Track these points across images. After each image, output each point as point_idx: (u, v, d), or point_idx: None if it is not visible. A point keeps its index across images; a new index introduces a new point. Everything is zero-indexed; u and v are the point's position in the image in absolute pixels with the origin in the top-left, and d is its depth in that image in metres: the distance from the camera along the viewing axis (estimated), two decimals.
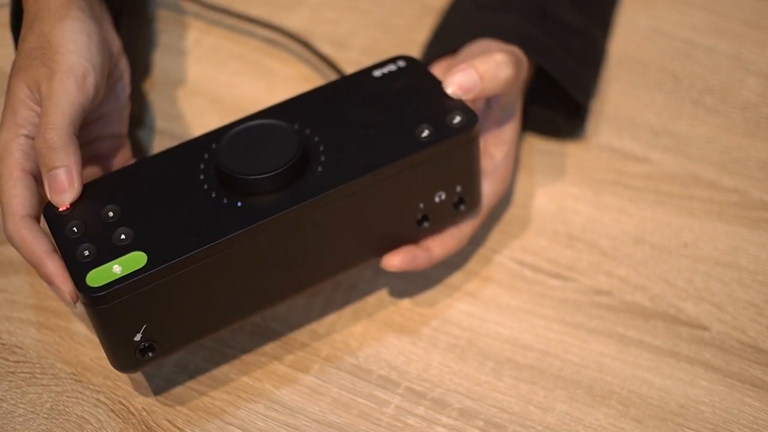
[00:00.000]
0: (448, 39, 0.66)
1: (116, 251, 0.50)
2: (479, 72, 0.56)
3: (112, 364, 0.52)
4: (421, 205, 0.56)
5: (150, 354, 0.52)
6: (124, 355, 0.51)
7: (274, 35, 0.75)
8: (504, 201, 0.65)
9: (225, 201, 0.52)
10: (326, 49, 0.73)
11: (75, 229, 0.51)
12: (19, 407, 0.56)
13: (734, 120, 0.70)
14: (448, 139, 0.54)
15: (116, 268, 0.49)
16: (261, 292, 0.54)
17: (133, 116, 0.71)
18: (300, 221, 0.52)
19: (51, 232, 0.52)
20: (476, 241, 0.63)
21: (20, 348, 0.59)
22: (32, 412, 0.56)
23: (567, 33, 0.68)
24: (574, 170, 0.67)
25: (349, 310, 0.60)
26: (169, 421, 0.56)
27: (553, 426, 0.56)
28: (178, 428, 0.56)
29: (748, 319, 0.60)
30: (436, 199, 0.56)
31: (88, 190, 0.53)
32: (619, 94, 0.71)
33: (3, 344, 0.59)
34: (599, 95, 0.71)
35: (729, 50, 0.74)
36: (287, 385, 0.57)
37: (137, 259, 0.50)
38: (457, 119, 0.54)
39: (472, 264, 0.62)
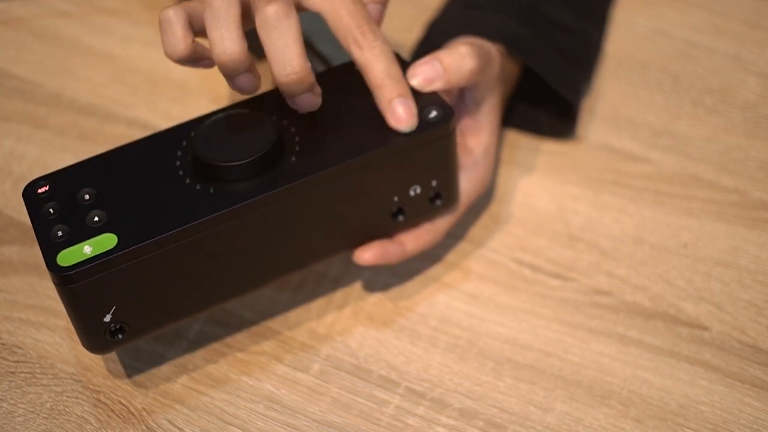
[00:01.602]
0: (435, 38, 0.66)
1: (88, 232, 0.51)
2: (443, 64, 0.56)
3: (83, 345, 0.53)
4: (396, 198, 0.56)
5: (120, 336, 0.52)
6: (95, 336, 0.52)
7: None
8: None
9: (198, 187, 0.52)
10: (327, 48, 0.73)
11: (51, 210, 0.52)
12: (19, 407, 0.56)
13: (734, 120, 0.70)
14: (423, 133, 0.54)
15: (87, 249, 0.50)
16: (231, 280, 0.54)
17: (131, 117, 0.71)
18: (271, 209, 0.52)
19: (28, 211, 0.52)
20: (476, 240, 0.63)
21: (20, 348, 0.59)
22: (32, 412, 0.56)
23: (557, 32, 0.68)
24: (573, 170, 0.67)
25: (348, 310, 0.61)
26: (169, 421, 0.56)
27: (553, 426, 0.56)
28: (178, 428, 0.56)
29: (748, 319, 0.60)
30: (411, 193, 0.56)
31: (67, 173, 0.54)
32: (619, 94, 0.71)
33: (3, 344, 0.59)
34: (599, 95, 0.71)
35: (729, 50, 0.74)
36: (287, 385, 0.57)
37: (108, 241, 0.50)
38: (433, 114, 0.54)
39: (472, 264, 0.62)
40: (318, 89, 0.53)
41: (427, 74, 0.56)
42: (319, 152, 0.53)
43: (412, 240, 0.59)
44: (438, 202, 0.58)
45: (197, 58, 0.54)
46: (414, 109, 0.54)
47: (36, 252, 0.63)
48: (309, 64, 0.52)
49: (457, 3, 0.69)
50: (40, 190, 0.53)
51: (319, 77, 0.56)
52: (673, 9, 0.76)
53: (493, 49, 0.60)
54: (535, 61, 0.65)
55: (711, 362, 0.58)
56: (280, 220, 0.53)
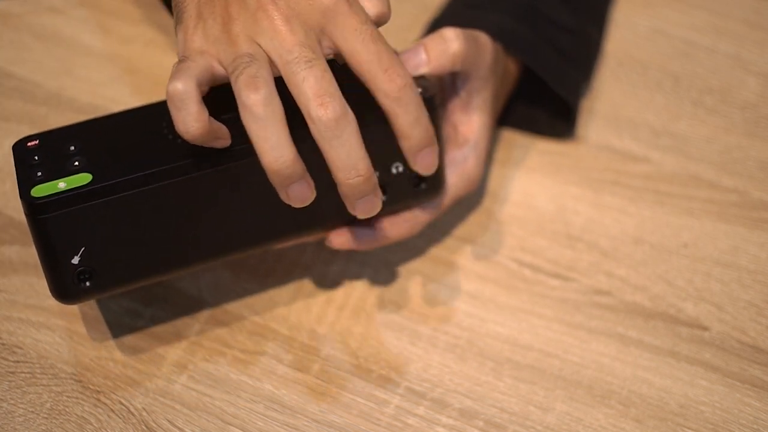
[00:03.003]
0: None
1: (66, 173, 0.51)
2: (427, 48, 0.56)
3: (51, 291, 0.53)
4: (377, 174, 0.55)
5: (88, 283, 0.52)
6: (62, 277, 0.52)
7: None
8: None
9: (179, 141, 0.52)
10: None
11: (36, 157, 0.53)
12: (19, 407, 0.56)
13: (734, 120, 0.70)
14: None
15: (61, 184, 0.50)
16: (204, 241, 0.54)
17: None
18: (250, 170, 0.51)
19: (15, 163, 0.53)
20: (476, 240, 0.63)
21: (20, 348, 0.59)
22: (32, 412, 0.56)
23: (557, 31, 0.68)
24: (573, 170, 0.67)
25: (348, 310, 0.61)
26: (169, 421, 0.56)
27: (553, 426, 0.56)
28: (178, 428, 0.56)
29: (748, 319, 0.60)
30: (393, 171, 0.55)
31: (58, 131, 0.54)
32: (619, 94, 0.71)
33: (3, 344, 0.59)
34: (599, 95, 0.71)
35: (729, 50, 0.74)
36: (287, 385, 0.57)
37: (82, 179, 0.51)
38: (417, 90, 0.54)
39: (472, 264, 0.62)
40: (379, 192, 0.51)
41: (411, 62, 0.56)
42: (300, 120, 0.51)
43: (388, 227, 0.58)
44: (422, 186, 0.57)
45: (216, 136, 0.50)
46: (437, 152, 0.54)
47: (36, 252, 0.62)
48: (371, 167, 0.50)
49: (458, 2, 0.69)
50: (29, 143, 0.54)
51: None
52: (673, 9, 0.76)
53: (483, 37, 0.60)
54: (533, 61, 0.65)
55: (711, 362, 0.58)
56: (257, 182, 0.51)
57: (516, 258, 0.63)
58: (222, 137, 0.51)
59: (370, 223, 0.58)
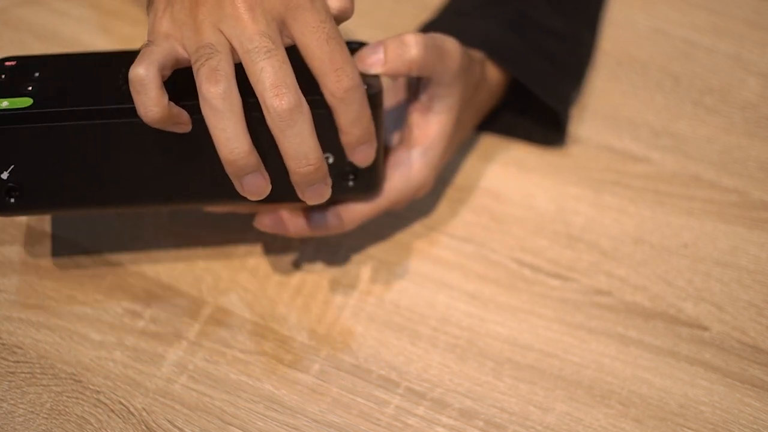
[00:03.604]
0: None
1: (14, 94, 0.54)
2: (386, 49, 0.56)
3: None
4: None
5: (13, 200, 0.54)
6: None
7: None
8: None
9: (124, 88, 0.53)
10: None
11: (3, 76, 0.55)
12: (19, 407, 0.56)
13: (734, 120, 0.70)
14: None
15: (4, 103, 0.53)
16: (130, 186, 0.55)
17: None
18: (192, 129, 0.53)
19: None
20: (476, 240, 0.63)
21: (20, 348, 0.59)
22: (32, 412, 0.56)
23: (547, 37, 0.67)
24: (574, 170, 0.67)
25: (348, 310, 0.60)
26: (169, 421, 0.56)
27: (553, 426, 0.56)
28: (178, 428, 0.56)
29: (748, 319, 0.60)
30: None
31: (38, 58, 0.57)
32: (619, 94, 0.71)
33: (3, 344, 0.59)
34: (599, 95, 0.71)
35: (729, 50, 0.74)
36: (287, 385, 0.57)
37: (24, 102, 0.53)
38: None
39: (472, 264, 0.62)
40: (329, 180, 0.53)
41: (368, 59, 0.56)
42: (247, 86, 0.52)
43: (316, 219, 0.58)
44: (351, 182, 0.57)
45: (175, 121, 0.51)
46: (375, 147, 0.55)
47: (36, 252, 0.63)
48: (323, 157, 0.52)
49: (448, 9, 0.69)
50: (7, 63, 0.56)
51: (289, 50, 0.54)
52: (673, 9, 0.76)
53: (450, 44, 0.58)
54: (519, 70, 0.64)
55: (711, 362, 0.58)
56: (194, 139, 0.53)
57: (516, 258, 0.63)
58: (182, 122, 0.52)
59: (298, 211, 0.58)
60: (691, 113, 0.70)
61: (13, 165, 0.54)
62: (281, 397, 0.57)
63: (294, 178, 0.52)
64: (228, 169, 0.51)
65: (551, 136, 0.67)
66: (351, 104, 0.53)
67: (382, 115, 0.56)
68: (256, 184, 0.52)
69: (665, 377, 0.57)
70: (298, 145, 0.51)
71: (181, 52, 0.52)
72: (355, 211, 0.59)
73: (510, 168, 0.67)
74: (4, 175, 0.54)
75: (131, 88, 0.50)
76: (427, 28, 0.68)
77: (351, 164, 0.56)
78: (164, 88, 0.50)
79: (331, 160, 0.56)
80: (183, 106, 0.52)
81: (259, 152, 0.51)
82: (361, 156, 0.55)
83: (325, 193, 0.53)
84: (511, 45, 0.65)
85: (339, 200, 0.58)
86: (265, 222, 0.58)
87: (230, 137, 0.50)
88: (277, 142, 0.51)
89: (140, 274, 0.62)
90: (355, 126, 0.54)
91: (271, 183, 0.53)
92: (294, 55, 0.52)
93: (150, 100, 0.50)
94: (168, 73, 0.52)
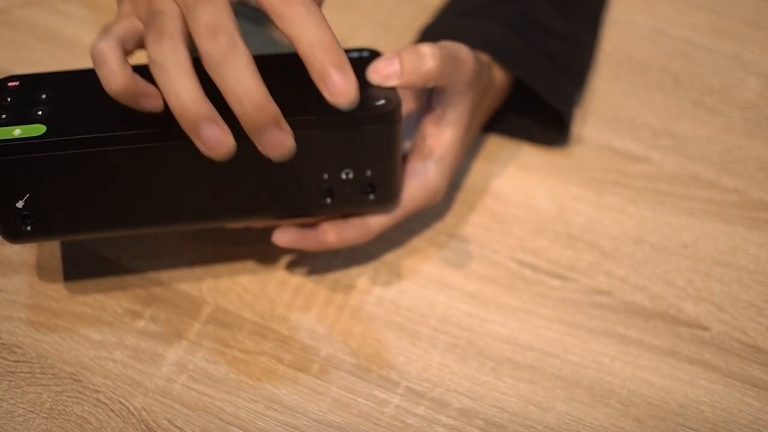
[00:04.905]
0: None
1: (25, 120, 0.53)
2: (402, 62, 0.55)
3: None
4: (326, 176, 0.55)
5: (29, 227, 0.54)
6: (7, 219, 0.54)
7: (275, 34, 0.75)
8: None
9: (138, 111, 0.52)
10: None
11: (9, 99, 0.55)
12: (18, 407, 0.56)
13: (734, 120, 0.70)
14: (361, 113, 0.53)
15: (17, 131, 0.53)
16: (143, 209, 0.55)
17: None
18: (197, 150, 0.51)
19: None
20: (476, 240, 0.63)
21: (20, 348, 0.59)
22: (32, 412, 0.56)
23: (549, 38, 0.67)
24: (574, 170, 0.67)
25: (348, 310, 0.61)
26: (169, 421, 0.56)
27: (553, 426, 0.56)
28: (178, 428, 0.56)
29: (748, 319, 0.60)
30: (343, 176, 0.55)
31: (43, 76, 0.56)
32: (619, 94, 0.71)
33: (3, 344, 0.59)
34: (599, 95, 0.71)
35: (729, 50, 0.74)
36: (287, 385, 0.58)
37: (37, 129, 0.53)
38: (381, 102, 0.54)
39: (472, 264, 0.62)
40: (287, 128, 0.49)
41: (384, 71, 0.55)
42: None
43: (336, 232, 0.58)
44: (371, 196, 0.56)
45: (140, 94, 0.50)
46: (353, 80, 0.49)
47: (36, 252, 0.63)
48: (268, 94, 0.48)
49: (450, 10, 0.69)
50: (10, 84, 0.56)
51: (292, 57, 0.52)
52: (673, 9, 0.76)
53: (464, 52, 0.58)
54: (523, 71, 0.64)
55: (711, 362, 0.58)
56: (203, 161, 0.51)
57: (516, 258, 0.63)
58: (149, 95, 0.50)
59: (317, 225, 0.58)
60: (692, 113, 0.70)
61: (28, 194, 0.53)
62: (281, 397, 0.57)
63: (244, 125, 0.49)
64: (182, 124, 0.48)
65: (552, 136, 0.68)
66: (304, 24, 0.49)
67: (401, 129, 0.55)
68: (214, 137, 0.48)
69: (665, 377, 0.57)
70: (237, 83, 0.47)
71: (140, 26, 0.52)
72: (374, 223, 0.58)
73: (511, 168, 0.67)
74: (20, 204, 0.53)
75: (94, 64, 0.50)
76: (429, 29, 0.68)
77: (369, 179, 0.56)
78: (127, 61, 0.50)
79: (350, 175, 0.55)
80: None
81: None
82: (334, 88, 0.49)
83: (285, 141, 0.49)
84: (513, 46, 0.65)
85: (359, 213, 0.58)
86: (283, 238, 0.58)
87: (177, 90, 0.48)
88: (219, 89, 0.48)
89: (140, 274, 0.62)
90: (315, 49, 0.49)
91: (280, 194, 0.52)
92: (296, 68, 0.51)
93: (111, 72, 0.49)
94: (132, 48, 0.51)
